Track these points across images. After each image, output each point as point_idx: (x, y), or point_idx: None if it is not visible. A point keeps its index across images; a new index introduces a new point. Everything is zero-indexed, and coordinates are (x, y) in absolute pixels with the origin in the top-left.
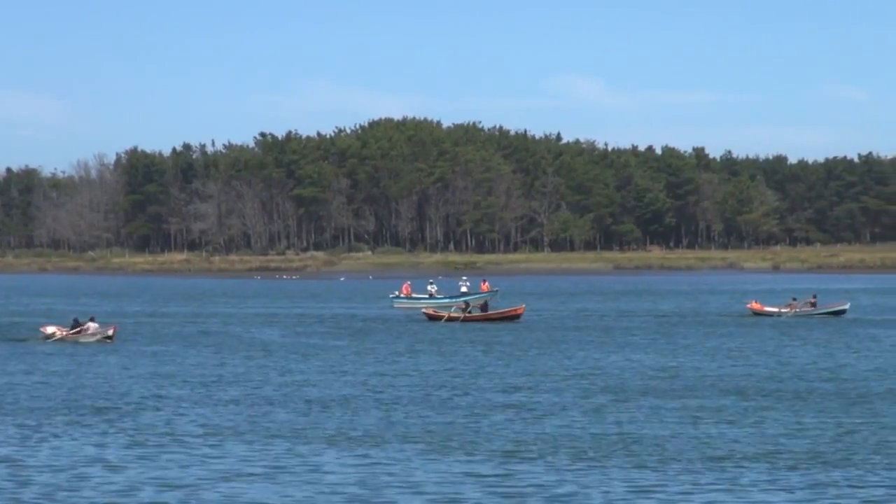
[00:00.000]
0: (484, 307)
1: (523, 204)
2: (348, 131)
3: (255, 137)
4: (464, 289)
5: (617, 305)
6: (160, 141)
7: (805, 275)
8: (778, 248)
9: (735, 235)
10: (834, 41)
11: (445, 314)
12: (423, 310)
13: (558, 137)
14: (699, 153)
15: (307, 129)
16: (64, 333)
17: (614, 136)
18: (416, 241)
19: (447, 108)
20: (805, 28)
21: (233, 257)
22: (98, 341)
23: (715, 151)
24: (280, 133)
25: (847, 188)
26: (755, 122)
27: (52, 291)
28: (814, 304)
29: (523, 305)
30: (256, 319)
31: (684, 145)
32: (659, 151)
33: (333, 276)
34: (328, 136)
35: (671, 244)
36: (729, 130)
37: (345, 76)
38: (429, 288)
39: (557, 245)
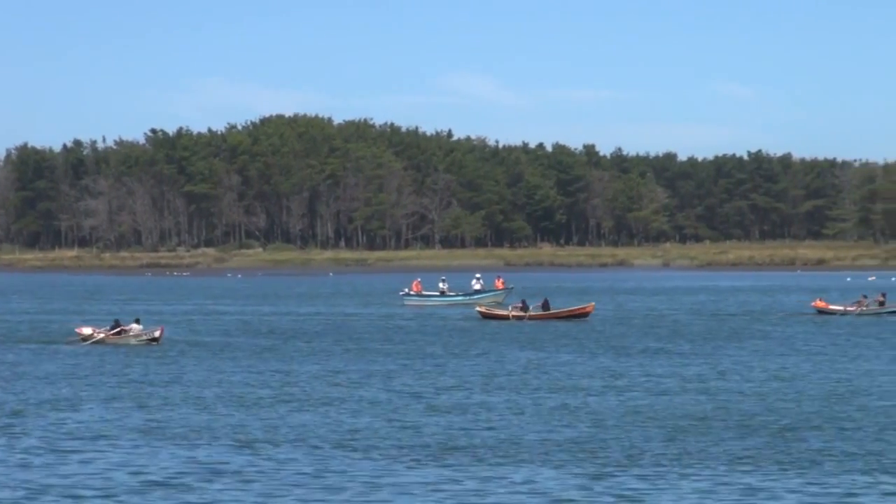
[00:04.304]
0: (545, 305)
1: (414, 201)
2: (239, 128)
3: (145, 134)
4: (477, 286)
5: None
6: (50, 137)
7: (695, 272)
8: (668, 245)
9: (625, 233)
10: (720, 39)
11: (506, 312)
12: (478, 308)
13: (449, 134)
14: (589, 150)
15: (198, 126)
16: (103, 335)
17: (505, 133)
18: (308, 238)
19: (338, 104)
20: (692, 25)
21: (123, 254)
22: (143, 343)
23: (605, 149)
24: (171, 129)
25: (736, 186)
26: (645, 119)
27: None
28: (882, 303)
29: (592, 304)
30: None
31: (575, 143)
32: (549, 149)
33: (222, 273)
34: (219, 133)
35: (562, 241)
36: (619, 128)
37: (236, 73)
38: (440, 285)
39: (448, 242)
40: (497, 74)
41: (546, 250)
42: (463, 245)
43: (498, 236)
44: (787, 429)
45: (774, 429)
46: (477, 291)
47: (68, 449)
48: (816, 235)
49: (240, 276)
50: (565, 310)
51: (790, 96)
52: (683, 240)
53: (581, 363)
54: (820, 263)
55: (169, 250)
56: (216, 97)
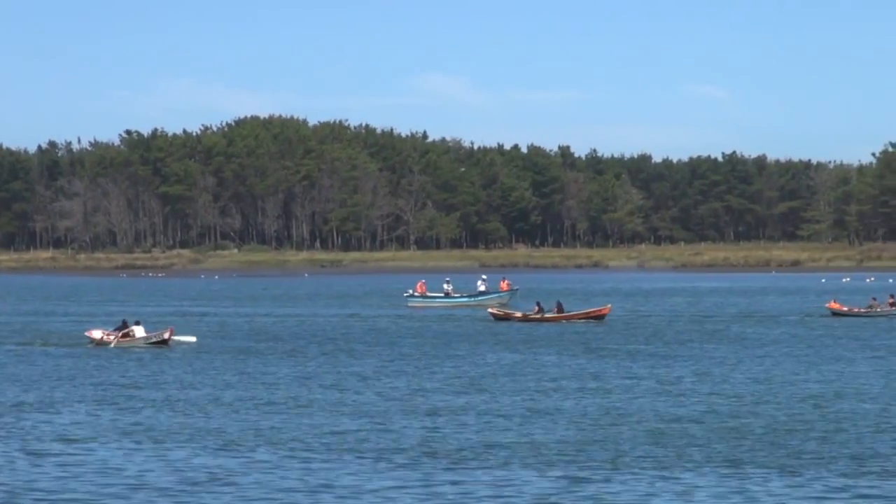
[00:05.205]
0: (559, 308)
1: (389, 202)
2: (214, 129)
3: (120, 135)
4: (482, 287)
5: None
6: (25, 138)
7: (670, 273)
8: (643, 246)
9: (600, 234)
10: (694, 40)
11: (520, 313)
12: (490, 310)
13: (424, 136)
14: (564, 152)
15: (173, 127)
16: (113, 338)
17: (480, 134)
18: (283, 240)
19: (313, 106)
20: (666, 27)
21: (98, 255)
22: (151, 345)
23: (580, 150)
24: (146, 131)
25: (711, 187)
26: (620, 121)
27: None
28: (893, 304)
29: (609, 305)
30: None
31: (550, 144)
32: (524, 150)
33: (196, 274)
34: (194, 134)
35: (537, 243)
36: (594, 129)
37: (211, 74)
38: (444, 286)
39: (423, 243)
40: (472, 76)
41: (521, 252)
42: (438, 246)
43: (473, 238)
44: (771, 430)
45: (760, 431)
46: (482, 293)
47: (47, 452)
48: (791, 237)
49: (216, 277)
50: (582, 311)
51: (765, 98)
52: (658, 241)
53: (579, 365)
54: (795, 265)
55: (144, 251)
56: (191, 98)
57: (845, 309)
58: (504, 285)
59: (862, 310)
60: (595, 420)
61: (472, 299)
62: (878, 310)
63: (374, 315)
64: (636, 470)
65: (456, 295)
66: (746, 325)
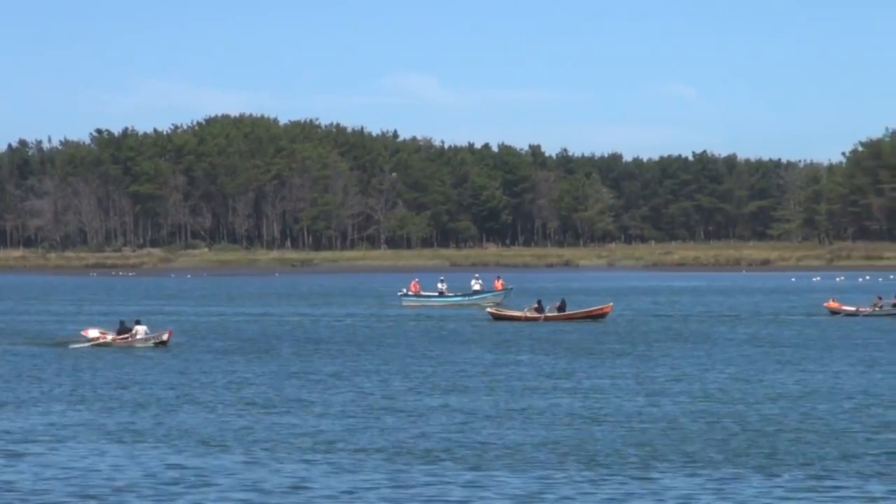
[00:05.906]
0: (562, 307)
1: (360, 201)
2: (185, 128)
3: (91, 134)
4: (476, 286)
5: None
6: None
7: (640, 272)
8: (613, 245)
9: (571, 233)
10: (664, 39)
11: (521, 313)
12: (488, 309)
13: (395, 135)
14: (535, 151)
15: (144, 126)
16: (110, 338)
17: (451, 133)
18: (253, 238)
19: (284, 105)
20: (636, 26)
21: (69, 254)
22: (151, 346)
23: (551, 149)
24: (116, 130)
25: (682, 186)
26: (590, 120)
27: None
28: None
29: (611, 304)
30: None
31: (520, 143)
32: (495, 149)
33: (166, 273)
34: (165, 133)
35: (507, 242)
36: (565, 128)
37: (181, 73)
38: (439, 285)
39: (394, 242)
40: (442, 75)
41: (492, 251)
42: (409, 245)
43: (443, 237)
44: (752, 430)
45: (739, 431)
46: (476, 292)
47: (23, 452)
48: (761, 236)
49: (189, 276)
50: (583, 311)
51: (735, 97)
52: (629, 240)
53: (566, 365)
54: (765, 264)
55: (114, 250)
56: (162, 97)
57: (844, 308)
58: (498, 284)
59: (864, 308)
60: (575, 420)
61: (467, 298)
62: (878, 308)
63: (368, 314)
64: (614, 469)
65: (450, 294)
66: (744, 326)
